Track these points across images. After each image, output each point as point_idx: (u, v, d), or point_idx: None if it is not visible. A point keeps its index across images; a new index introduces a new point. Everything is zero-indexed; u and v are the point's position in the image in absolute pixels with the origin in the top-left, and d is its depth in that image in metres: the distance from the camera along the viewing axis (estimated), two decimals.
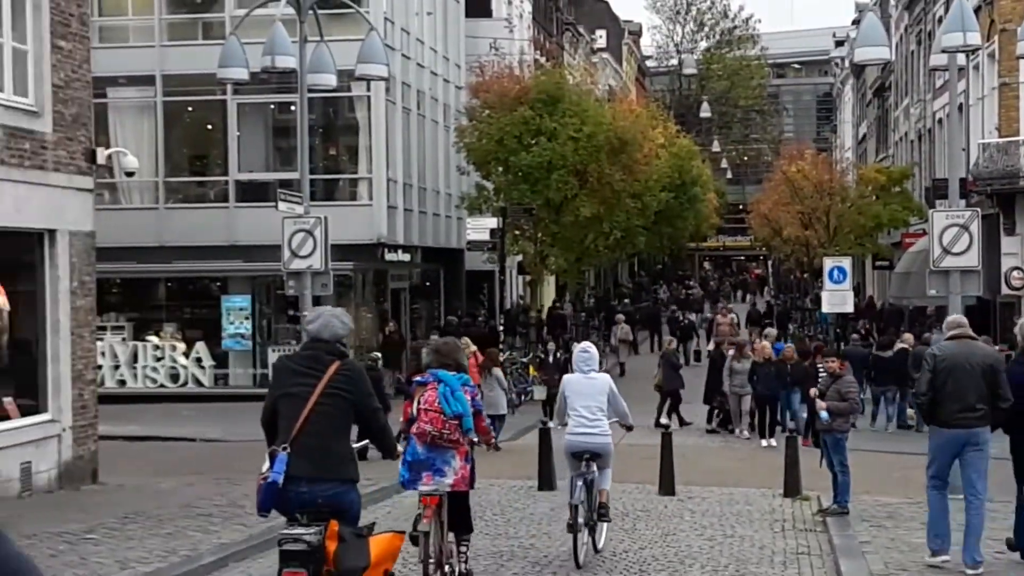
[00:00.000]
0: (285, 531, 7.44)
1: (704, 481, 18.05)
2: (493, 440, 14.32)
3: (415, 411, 9.71)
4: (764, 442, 23.60)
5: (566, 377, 12.71)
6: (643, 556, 12.23)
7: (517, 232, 38.40)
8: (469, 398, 9.69)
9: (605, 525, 12.49)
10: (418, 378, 10.19)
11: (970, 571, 10.75)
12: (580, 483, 11.60)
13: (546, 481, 17.56)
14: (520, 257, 41.16)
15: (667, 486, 16.75)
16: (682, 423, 26.47)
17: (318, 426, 7.56)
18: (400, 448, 9.02)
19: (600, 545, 12.33)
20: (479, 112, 37.25)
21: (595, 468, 11.85)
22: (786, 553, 12.68)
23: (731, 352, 25.70)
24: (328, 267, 19.15)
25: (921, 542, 12.57)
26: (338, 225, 20.25)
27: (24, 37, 16.76)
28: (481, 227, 37.65)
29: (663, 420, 26.00)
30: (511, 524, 14.61)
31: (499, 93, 36.70)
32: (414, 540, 9.44)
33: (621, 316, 41.83)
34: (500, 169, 36.47)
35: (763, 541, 13.38)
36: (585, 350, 12.56)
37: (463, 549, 10.16)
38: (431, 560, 9.51)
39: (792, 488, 16.79)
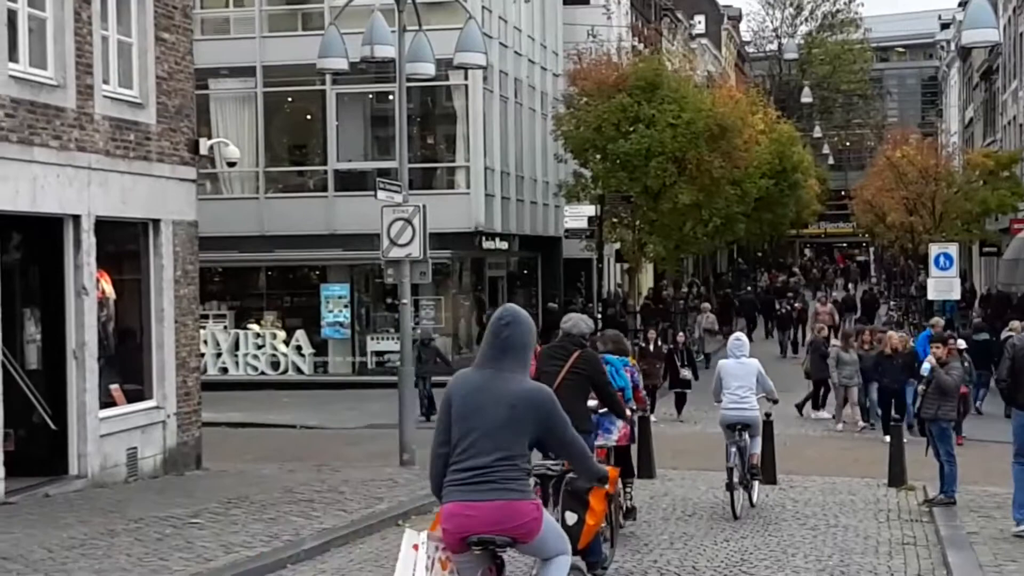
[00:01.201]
0: (537, 463, 8.59)
1: (806, 470, 17.80)
2: (647, 407, 16.50)
3: None
4: (887, 437, 20.42)
5: (721, 362, 14.93)
6: (744, 546, 12.08)
7: (615, 220, 38.19)
8: (629, 375, 12.29)
9: (757, 483, 14.79)
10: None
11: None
12: (734, 449, 13.93)
13: (645, 470, 17.43)
14: (618, 245, 40.94)
15: (768, 475, 16.53)
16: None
17: (565, 393, 9.20)
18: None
19: (755, 500, 14.54)
20: (576, 100, 37.10)
21: (747, 436, 14.27)
22: (891, 543, 12.43)
23: (837, 342, 25.12)
24: (427, 255, 19.17)
25: None
26: (436, 214, 20.29)
27: (129, 30, 17.03)
28: (579, 215, 37.51)
29: (821, 413, 25.68)
30: None
31: (597, 80, 36.49)
32: None
33: (706, 305, 40.87)
34: (598, 157, 36.27)
35: (867, 531, 13.14)
36: (738, 338, 15.26)
37: (628, 490, 12.66)
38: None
39: (897, 478, 16.49)
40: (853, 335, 25.48)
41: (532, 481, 6.99)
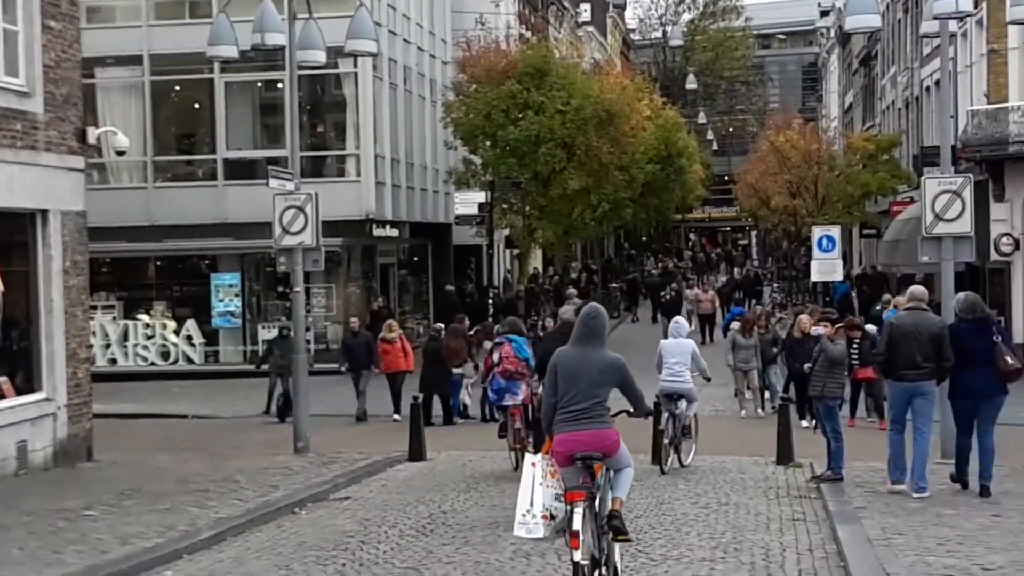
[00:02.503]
0: None
1: (696, 450, 18.08)
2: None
3: (496, 360, 16.49)
4: (804, 423, 20.84)
5: (662, 341, 17.56)
6: (639, 525, 12.32)
7: (505, 206, 38.40)
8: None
9: (694, 445, 16.97)
10: (497, 339, 17.28)
11: (915, 495, 13.27)
12: (666, 415, 16.18)
13: (538, 448, 17.60)
14: (508, 231, 41.15)
15: (659, 456, 16.81)
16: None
17: None
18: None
19: (687, 462, 16.58)
20: (466, 87, 37.21)
21: (683, 404, 16.57)
22: (782, 520, 12.77)
23: (735, 326, 24.67)
24: (320, 243, 19.15)
25: (918, 506, 12.78)
26: (326, 202, 20.21)
27: (15, 18, 16.73)
28: (469, 201, 37.65)
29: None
30: (506, 495, 14.61)
31: (486, 67, 36.64)
32: (502, 435, 16.84)
33: (572, 291, 38.99)
34: (488, 143, 36.45)
35: (758, 508, 13.48)
36: (677, 321, 18.04)
37: (531, 440, 15.67)
38: (517, 447, 16.26)
39: (785, 456, 16.89)
40: (756, 319, 24.89)
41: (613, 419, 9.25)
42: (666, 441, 16.25)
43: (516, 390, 16.29)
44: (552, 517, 9.05)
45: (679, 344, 17.00)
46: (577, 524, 8.58)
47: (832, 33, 77.95)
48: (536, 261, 50.20)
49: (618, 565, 9.14)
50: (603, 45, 76.81)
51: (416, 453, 18.00)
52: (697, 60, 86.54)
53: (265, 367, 25.03)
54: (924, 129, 41.43)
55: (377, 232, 34.61)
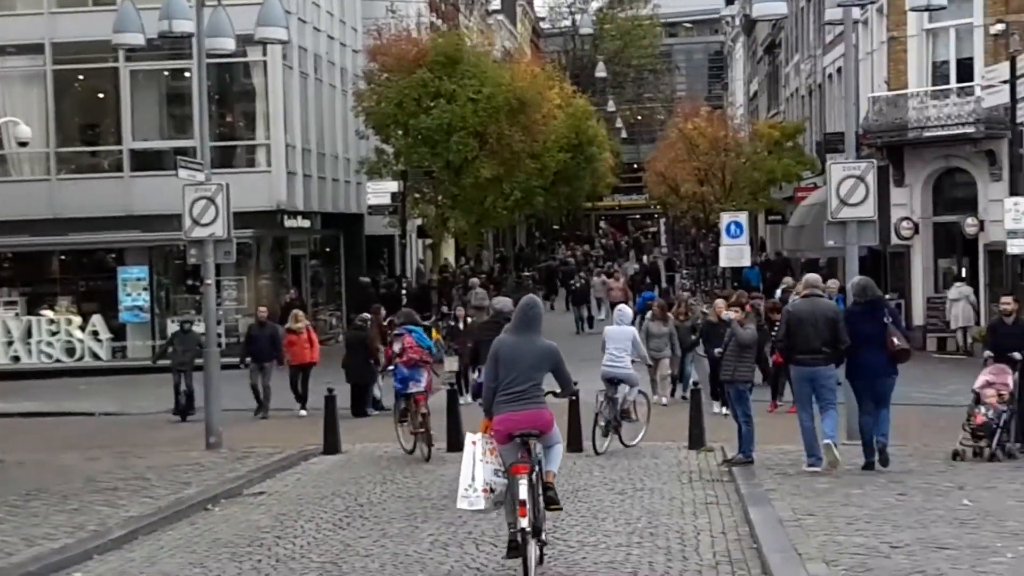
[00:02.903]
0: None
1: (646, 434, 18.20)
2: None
3: (399, 350, 17.26)
4: (721, 409, 20.24)
5: (606, 328, 18.35)
6: (556, 512, 12.36)
7: (418, 195, 38.29)
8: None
9: (633, 426, 17.46)
10: (396, 331, 18.06)
11: (808, 468, 14.15)
12: (603, 399, 16.99)
13: (455, 443, 17.63)
14: (421, 220, 41.07)
15: (575, 443, 16.90)
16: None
17: None
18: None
19: (632, 443, 17.20)
20: (377, 75, 37.02)
21: (625, 388, 17.24)
22: (695, 504, 12.92)
23: (649, 314, 24.03)
24: (231, 235, 18.93)
25: (826, 487, 13.01)
26: (237, 192, 19.96)
27: None
28: (381, 191, 37.46)
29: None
30: (423, 486, 14.69)
31: (397, 56, 36.49)
32: (403, 420, 17.29)
33: (475, 280, 38.26)
34: (400, 132, 36.31)
35: (672, 493, 13.62)
36: (621, 309, 18.83)
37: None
38: (421, 430, 16.88)
39: (697, 441, 17.08)
40: (672, 306, 24.59)
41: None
42: (602, 423, 16.93)
43: (419, 378, 17.20)
44: (491, 491, 9.87)
45: (621, 331, 17.74)
46: (523, 494, 9.46)
47: (737, 21, 78.74)
48: (449, 251, 50.13)
49: (543, 536, 10.05)
50: (513, 34, 76.82)
51: (331, 446, 17.89)
52: (606, 49, 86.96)
53: (165, 362, 23.96)
54: (827, 116, 42.06)
55: (288, 223, 34.34)
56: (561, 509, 10.46)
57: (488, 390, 10.03)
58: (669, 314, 23.75)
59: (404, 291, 36.69)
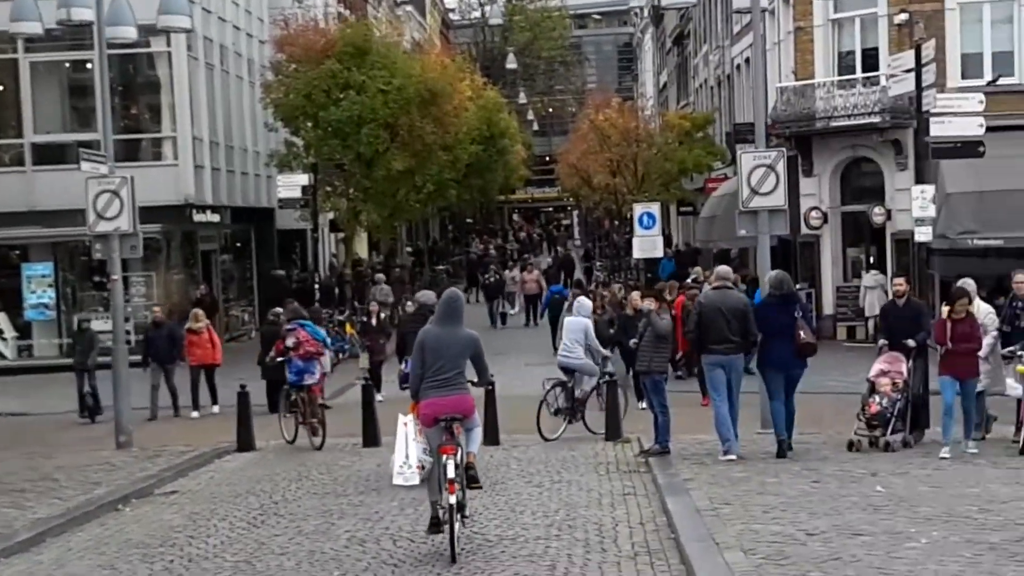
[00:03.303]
0: None
1: (527, 429, 18.16)
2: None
3: (292, 344, 17.80)
4: (640, 403, 19.15)
5: (565, 318, 18.65)
6: (473, 506, 12.24)
7: (329, 188, 37.92)
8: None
9: (591, 413, 17.87)
10: (288, 326, 18.64)
11: (723, 457, 14.31)
12: (559, 388, 17.66)
13: (371, 438, 17.51)
14: (332, 214, 40.71)
15: (491, 436, 16.84)
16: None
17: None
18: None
19: (590, 426, 17.56)
20: (285, 67, 36.54)
21: (583, 378, 17.73)
22: (613, 495, 12.91)
23: (567, 306, 23.80)
24: (137, 229, 18.58)
25: (742, 476, 13.07)
26: (143, 187, 19.63)
27: None
28: (292, 184, 36.95)
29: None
30: (338, 482, 14.54)
31: (304, 47, 36.02)
32: (292, 411, 17.74)
33: (381, 276, 37.79)
34: (309, 124, 35.82)
35: (590, 484, 13.60)
36: (580, 300, 19.36)
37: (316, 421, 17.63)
38: (314, 420, 17.57)
39: (614, 432, 17.11)
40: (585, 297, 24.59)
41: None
42: (551, 412, 17.42)
43: (314, 370, 17.89)
44: (423, 467, 10.71)
45: (575, 322, 18.17)
46: (451, 473, 10.16)
47: (646, 12, 79.18)
48: (362, 245, 49.79)
49: (466, 511, 10.74)
50: (422, 25, 76.51)
51: (245, 443, 17.67)
52: (516, 40, 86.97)
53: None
54: (736, 106, 42.41)
55: (198, 217, 33.83)
56: (481, 487, 11.12)
57: (415, 377, 10.66)
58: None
59: (316, 285, 36.41)
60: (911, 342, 14.98)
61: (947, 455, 13.77)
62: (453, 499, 10.11)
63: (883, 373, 15.04)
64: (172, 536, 11.81)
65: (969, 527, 9.98)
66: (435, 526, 10.27)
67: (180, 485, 14.92)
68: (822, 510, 10.99)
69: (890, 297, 17.29)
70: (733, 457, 14.29)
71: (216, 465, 16.54)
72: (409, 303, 26.40)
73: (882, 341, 15.63)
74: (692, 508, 11.33)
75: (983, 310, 15.34)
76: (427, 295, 19.63)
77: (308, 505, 13.07)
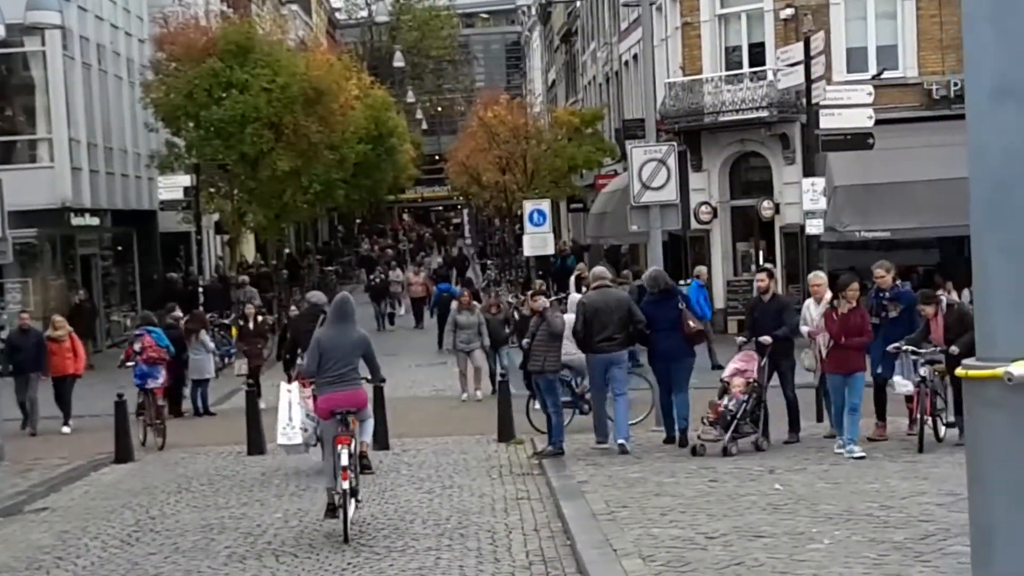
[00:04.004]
0: None
1: (416, 432, 17.74)
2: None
3: (139, 349, 18.64)
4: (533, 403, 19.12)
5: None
6: (362, 515, 11.78)
7: (212, 190, 37.02)
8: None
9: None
10: (137, 331, 19.46)
11: (620, 452, 14.35)
12: (563, 385, 16.62)
13: (256, 445, 16.92)
14: (217, 216, 39.76)
15: (381, 440, 16.34)
16: None
17: None
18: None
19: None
20: (165, 65, 35.57)
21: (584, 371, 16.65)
22: (507, 500, 12.49)
23: (454, 305, 23.09)
24: (6, 234, 17.76)
25: (638, 477, 12.75)
26: (17, 190, 18.86)
27: None
28: (173, 186, 36.04)
29: None
30: (220, 493, 13.93)
31: (185, 45, 35.09)
32: (140, 413, 18.25)
33: (244, 278, 36.53)
34: (191, 124, 34.88)
35: (482, 489, 13.18)
36: (573, 298, 19.78)
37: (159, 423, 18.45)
38: (157, 422, 18.33)
39: (506, 433, 16.72)
40: (476, 295, 23.59)
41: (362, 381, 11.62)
42: (537, 406, 16.56)
43: (157, 375, 18.67)
44: (305, 430, 12.09)
45: (568, 318, 17.75)
46: (345, 461, 10.82)
47: (533, 11, 79.11)
48: (249, 247, 48.83)
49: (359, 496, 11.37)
50: (308, 24, 75.50)
51: (123, 454, 16.90)
52: (404, 39, 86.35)
53: None
54: (625, 103, 42.39)
55: (76, 221, 32.74)
56: (373, 473, 12.15)
57: (310, 372, 11.63)
58: (475, 304, 23.03)
59: (201, 289, 35.51)
60: (766, 339, 14.42)
61: (861, 454, 13.18)
62: (346, 485, 10.78)
63: (739, 372, 14.41)
64: (39, 558, 11.09)
65: (872, 525, 9.71)
66: (331, 511, 10.92)
67: (52, 501, 14.18)
68: (721, 511, 10.67)
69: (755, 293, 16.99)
70: (605, 445, 14.70)
71: (92, 478, 15.80)
72: (292, 307, 25.85)
73: (740, 339, 15.26)
74: (588, 513, 10.94)
75: None
76: (317, 295, 19.77)
77: (187, 519, 12.45)
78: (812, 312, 14.90)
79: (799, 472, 12.54)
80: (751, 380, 14.24)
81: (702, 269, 26.66)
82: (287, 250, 58.27)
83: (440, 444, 16.87)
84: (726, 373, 14.64)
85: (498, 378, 18.87)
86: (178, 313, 23.31)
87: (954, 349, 13.26)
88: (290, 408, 12.48)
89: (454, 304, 23.53)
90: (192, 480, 15.04)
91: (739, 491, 11.59)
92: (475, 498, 12.68)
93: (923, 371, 13.62)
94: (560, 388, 15.79)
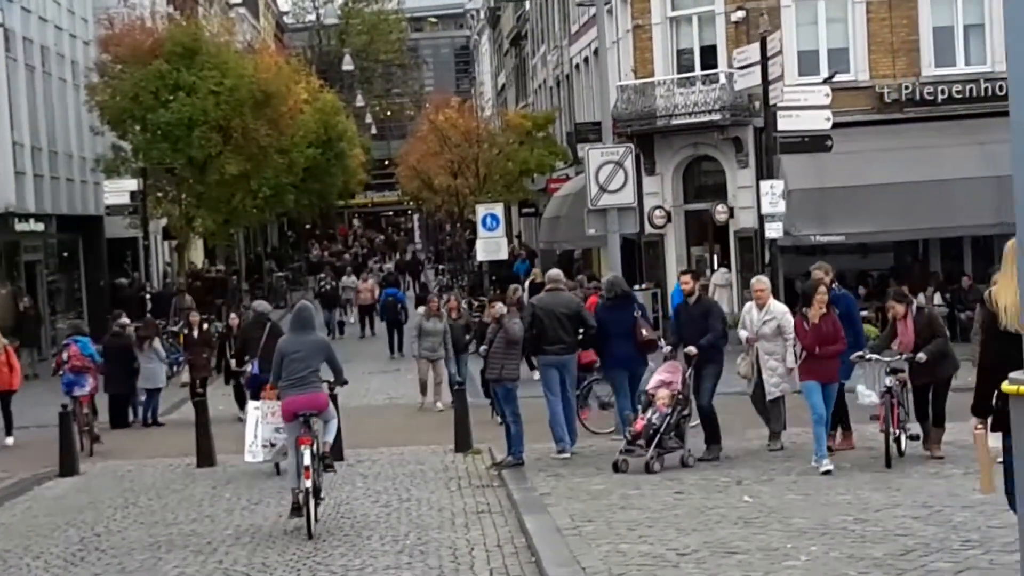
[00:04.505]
0: None
1: (372, 442, 17.32)
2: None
3: (66, 358, 19.03)
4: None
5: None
6: (317, 531, 11.38)
7: (160, 194, 36.41)
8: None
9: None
10: (65, 340, 19.83)
11: (558, 455, 14.44)
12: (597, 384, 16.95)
13: (206, 457, 16.46)
14: (165, 221, 39.11)
15: (335, 451, 15.89)
16: None
17: (266, 352, 15.07)
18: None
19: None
20: (111, 68, 34.95)
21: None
22: (467, 513, 12.10)
23: (421, 310, 22.34)
24: None
25: (602, 489, 12.41)
26: None
27: None
28: (119, 190, 35.39)
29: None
30: (168, 509, 13.46)
31: (131, 47, 34.50)
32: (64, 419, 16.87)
33: (180, 285, 35.26)
34: (137, 128, 34.32)
35: (441, 502, 12.78)
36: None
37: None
38: (86, 428, 18.64)
39: (463, 442, 16.34)
40: (440, 303, 22.56)
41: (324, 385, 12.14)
42: (598, 406, 16.82)
43: (84, 383, 18.92)
44: (272, 445, 12.72)
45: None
46: (307, 461, 11.36)
47: (482, 15, 78.79)
48: (198, 252, 48.17)
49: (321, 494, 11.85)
50: (256, 28, 74.76)
51: (68, 467, 16.36)
52: (352, 43, 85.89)
53: None
54: (576, 106, 42.13)
55: (20, 227, 32.08)
56: (336, 472, 12.77)
57: (275, 373, 12.06)
58: (444, 310, 22.01)
59: (149, 295, 34.89)
60: (691, 350, 13.69)
61: (828, 467, 12.44)
62: (309, 483, 11.26)
63: (663, 384, 13.58)
64: None
65: (848, 540, 9.36)
66: (296, 511, 11.36)
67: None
68: (690, 525, 10.32)
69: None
70: (567, 455, 14.43)
71: (35, 493, 15.27)
72: (233, 315, 25.24)
73: (667, 348, 14.57)
74: (552, 527, 10.55)
75: (779, 309, 14.06)
76: (262, 304, 20.57)
77: (134, 537, 11.96)
78: (753, 317, 14.14)
79: (767, 483, 12.21)
80: (676, 392, 13.46)
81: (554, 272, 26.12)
82: (251, 256, 57.74)
83: (396, 455, 16.48)
84: (650, 385, 13.80)
85: (455, 386, 18.44)
86: (124, 320, 22.77)
87: (921, 356, 12.89)
88: (256, 426, 12.99)
89: (421, 309, 22.83)
90: (140, 494, 14.55)
91: (707, 504, 11.25)
92: (434, 512, 12.29)
93: (888, 381, 12.98)
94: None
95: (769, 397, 14.07)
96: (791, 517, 10.41)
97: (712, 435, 14.01)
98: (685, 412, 13.58)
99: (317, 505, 11.48)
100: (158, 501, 13.99)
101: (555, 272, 16.22)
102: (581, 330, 15.10)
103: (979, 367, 7.31)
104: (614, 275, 15.76)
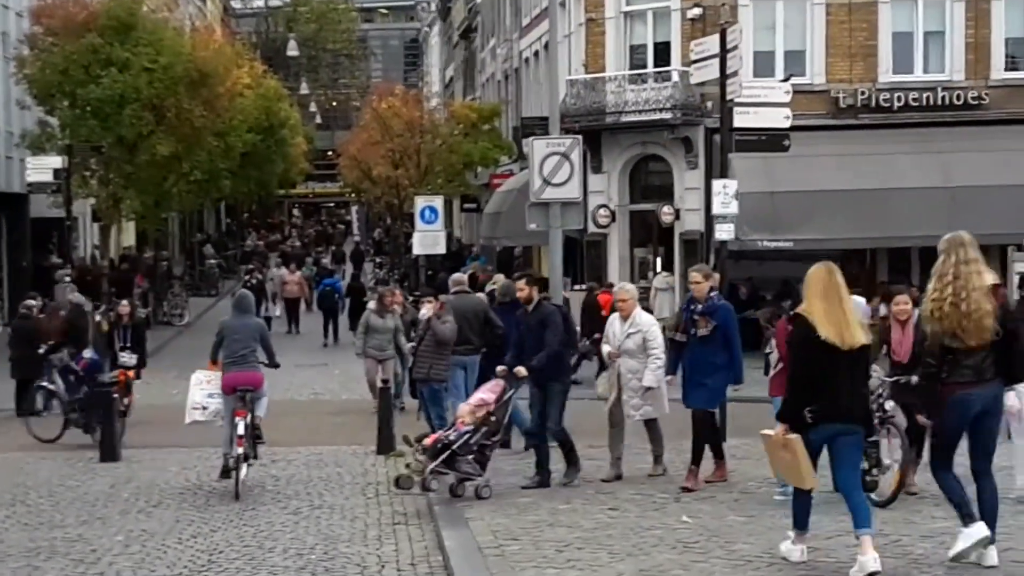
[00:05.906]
0: None
1: (290, 441, 16.21)
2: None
3: None
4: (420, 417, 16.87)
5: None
6: (215, 542, 10.34)
7: (87, 173, 35.01)
8: None
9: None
10: None
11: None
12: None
13: (108, 452, 15.34)
14: (92, 201, 37.69)
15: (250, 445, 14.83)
16: None
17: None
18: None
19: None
20: (42, 40, 33.54)
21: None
22: (381, 525, 11.09)
23: (372, 305, 20.22)
24: None
25: (530, 502, 11.47)
26: None
27: None
28: (43, 167, 33.91)
29: None
30: (59, 508, 12.34)
31: (63, 19, 33.12)
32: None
33: (63, 273, 31.51)
34: (66, 103, 32.95)
35: (355, 511, 11.77)
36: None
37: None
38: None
39: (386, 444, 15.33)
40: (391, 298, 20.18)
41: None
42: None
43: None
44: (205, 408, 13.75)
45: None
46: (241, 430, 12.79)
47: (433, 7, 77.80)
48: (130, 235, 46.70)
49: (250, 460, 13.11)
50: (202, 11, 73.27)
51: None
52: (301, 31, 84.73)
53: None
54: (524, 101, 41.24)
55: None
56: (265, 443, 13.94)
57: (215, 352, 13.46)
58: (396, 307, 19.92)
59: (70, 278, 33.45)
60: (521, 370, 12.10)
61: (782, 496, 10.48)
62: (240, 450, 12.71)
63: (482, 403, 12.04)
64: None
65: (798, 572, 8.45)
66: (225, 473, 12.95)
67: None
68: (624, 548, 9.34)
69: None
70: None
71: None
72: (123, 303, 23.75)
73: (500, 368, 12.56)
74: (473, 545, 9.56)
75: (646, 321, 12.55)
76: (77, 296, 21.94)
77: (12, 540, 10.83)
78: (615, 330, 12.49)
79: (707, 501, 11.24)
80: (488, 413, 11.91)
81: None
82: (187, 243, 56.33)
83: (314, 455, 15.43)
84: (471, 401, 12.32)
85: (378, 384, 17.34)
86: (31, 302, 21.49)
87: (914, 379, 10.22)
88: (191, 391, 13.96)
89: (371, 304, 21.03)
90: (31, 491, 13.39)
91: (643, 523, 10.29)
92: (346, 522, 11.27)
93: (889, 405, 10.83)
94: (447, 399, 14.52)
95: (629, 420, 12.55)
96: (734, 542, 9.45)
97: (569, 458, 12.42)
98: (492, 439, 11.98)
99: (247, 469, 12.89)
100: (49, 499, 12.87)
101: (459, 276, 16.79)
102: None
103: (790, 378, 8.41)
104: (507, 282, 15.90)
